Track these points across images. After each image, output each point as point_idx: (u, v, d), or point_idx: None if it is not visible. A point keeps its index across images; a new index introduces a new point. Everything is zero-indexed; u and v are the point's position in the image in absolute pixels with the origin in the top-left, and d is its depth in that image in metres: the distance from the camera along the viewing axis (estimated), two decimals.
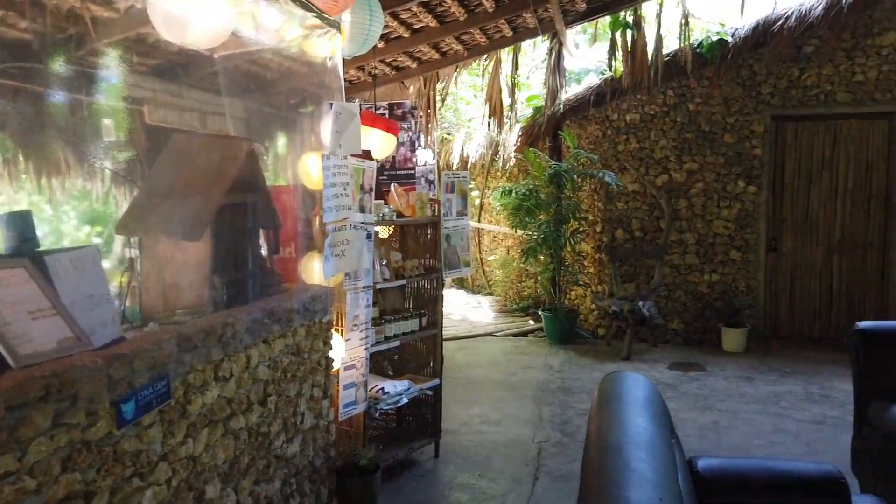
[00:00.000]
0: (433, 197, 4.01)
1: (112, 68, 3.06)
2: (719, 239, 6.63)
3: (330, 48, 3.16)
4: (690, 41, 6.44)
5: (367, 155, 3.65)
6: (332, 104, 3.03)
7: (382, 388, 3.46)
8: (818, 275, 6.61)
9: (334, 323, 3.22)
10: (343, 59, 5.44)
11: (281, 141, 3.34)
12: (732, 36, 6.32)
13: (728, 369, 5.65)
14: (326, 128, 3.05)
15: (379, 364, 4.05)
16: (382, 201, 3.65)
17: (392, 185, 3.87)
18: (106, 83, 3.08)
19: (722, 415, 4.56)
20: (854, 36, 6.22)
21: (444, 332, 7.06)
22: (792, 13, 6.14)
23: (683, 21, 6.40)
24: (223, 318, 2.33)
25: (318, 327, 2.97)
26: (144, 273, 2.55)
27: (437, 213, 3.88)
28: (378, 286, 3.47)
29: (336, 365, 3.18)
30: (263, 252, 2.91)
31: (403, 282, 3.68)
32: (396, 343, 3.62)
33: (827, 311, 6.62)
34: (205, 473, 2.18)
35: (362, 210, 3.25)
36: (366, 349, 3.33)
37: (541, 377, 5.52)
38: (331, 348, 3.10)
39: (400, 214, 3.73)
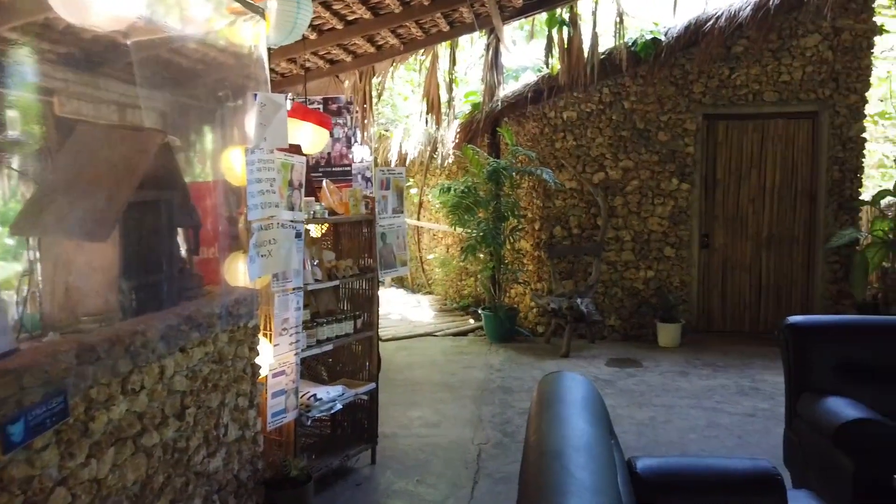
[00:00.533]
0: (368, 194, 3.87)
1: (16, 56, 2.79)
2: (654, 236, 6.72)
3: (254, 35, 2.98)
4: (625, 39, 6.50)
5: (296, 150, 3.48)
6: (256, 95, 2.85)
7: (315, 395, 3.30)
8: (748, 269, 6.80)
9: (262, 327, 3.05)
10: (272, 50, 5.22)
11: (202, 134, 3.13)
12: (666, 35, 6.42)
13: (663, 364, 5.73)
14: (251, 120, 2.87)
15: (313, 369, 3.88)
16: (313, 198, 3.48)
17: (324, 181, 3.70)
18: (10, 72, 2.81)
19: (658, 410, 4.60)
20: (780, 37, 6.41)
21: (383, 333, 6.94)
22: (722, 13, 6.28)
23: (618, 19, 6.45)
24: (133, 325, 2.13)
25: (243, 332, 2.79)
26: (45, 277, 2.32)
27: (371, 211, 3.74)
28: (309, 287, 3.31)
29: (263, 372, 3.00)
30: (182, 253, 2.71)
31: (337, 282, 3.53)
32: (329, 347, 3.47)
33: (756, 304, 6.81)
34: (112, 497, 1.99)
35: (291, 207, 3.09)
36: (296, 354, 3.16)
37: (481, 376, 5.45)
38: (257, 354, 2.92)
39: (332, 212, 3.58)
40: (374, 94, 7.06)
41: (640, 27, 6.63)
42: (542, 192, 6.84)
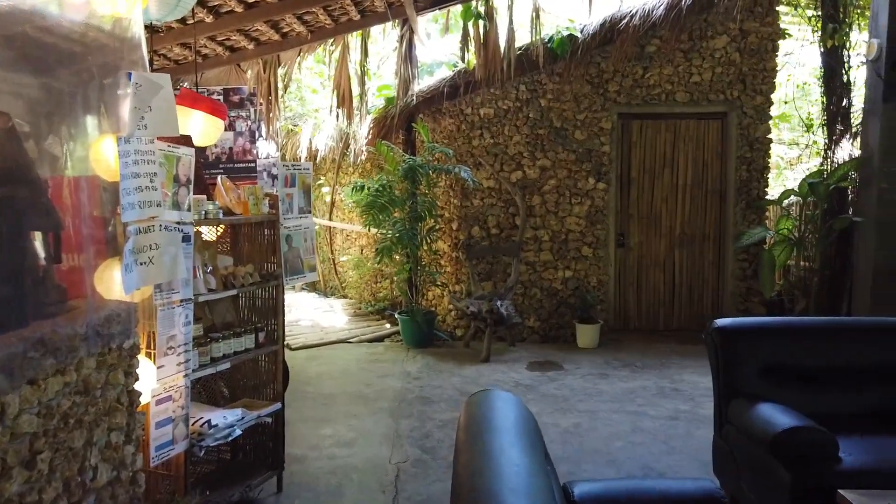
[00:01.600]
0: (272, 192, 3.48)
1: None
2: (572, 235, 6.64)
3: (127, 7, 2.53)
4: (541, 35, 6.37)
5: (184, 141, 3.05)
6: (130, 75, 2.42)
7: (209, 421, 2.89)
8: (662, 268, 6.84)
9: (144, 347, 2.61)
10: (162, 32, 4.68)
11: (66, 121, 2.65)
12: (582, 32, 6.34)
13: (584, 367, 5.62)
14: (124, 105, 2.44)
15: (210, 388, 3.45)
16: (205, 196, 3.06)
17: (219, 177, 3.28)
18: None
19: (582, 416, 4.45)
20: (691, 38, 6.48)
21: (293, 341, 6.49)
22: (636, 12, 6.26)
23: (534, 14, 6.32)
24: None
25: (117, 355, 2.36)
26: None
27: (275, 211, 3.35)
28: (201, 298, 2.90)
29: (145, 398, 2.57)
30: (38, 261, 2.25)
31: (235, 291, 3.13)
32: (227, 365, 3.06)
33: (670, 302, 6.87)
34: None
35: (178, 207, 2.67)
36: (186, 376, 2.74)
37: (398, 386, 5.14)
38: (136, 379, 2.49)
39: (229, 212, 3.17)
40: (280, 85, 6.60)
41: (556, 23, 6.52)
42: (460, 191, 6.61)
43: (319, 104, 8.75)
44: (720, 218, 6.78)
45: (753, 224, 6.61)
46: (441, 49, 8.00)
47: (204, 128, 3.29)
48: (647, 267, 6.85)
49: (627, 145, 6.73)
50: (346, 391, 5.04)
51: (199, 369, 2.87)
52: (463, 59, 6.31)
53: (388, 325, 7.09)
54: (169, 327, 2.64)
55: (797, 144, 7.54)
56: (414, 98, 6.49)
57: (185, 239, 2.69)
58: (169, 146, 2.67)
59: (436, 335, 6.55)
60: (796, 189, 6.47)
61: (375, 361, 5.87)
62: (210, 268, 3.02)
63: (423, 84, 6.68)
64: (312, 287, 9.34)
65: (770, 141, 6.61)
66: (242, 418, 3.03)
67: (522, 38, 6.41)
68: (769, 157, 6.64)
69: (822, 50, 6.57)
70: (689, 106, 6.57)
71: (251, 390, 3.45)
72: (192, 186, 2.76)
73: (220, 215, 3.05)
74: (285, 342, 6.38)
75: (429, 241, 6.25)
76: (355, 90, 6.53)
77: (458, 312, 6.65)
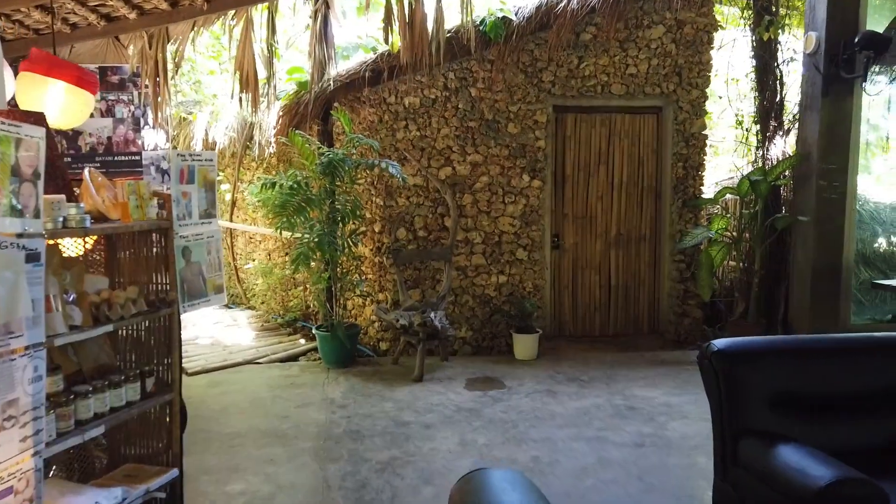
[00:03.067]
0: (163, 190, 2.66)
1: None
2: (506, 237, 6.10)
3: None
4: (473, 17, 5.76)
5: (35, 118, 2.20)
6: None
7: None
8: (598, 270, 6.45)
9: None
10: None
11: None
12: (516, 15, 5.80)
13: (527, 383, 5.09)
14: None
15: (80, 457, 2.58)
16: (65, 197, 2.22)
17: (86, 170, 2.43)
18: None
19: (539, 447, 3.89)
20: (627, 27, 6.10)
21: (190, 365, 5.53)
22: None
23: None
24: None
25: None
26: None
27: (167, 214, 2.54)
28: (61, 340, 2.07)
29: None
30: None
31: (110, 327, 2.30)
32: (99, 430, 2.23)
33: (606, 306, 6.49)
34: None
35: (17, 213, 1.84)
36: (37, 454, 1.91)
37: (321, 418, 4.38)
38: None
39: (101, 217, 2.34)
40: (171, 65, 5.62)
41: (489, 4, 5.94)
42: (384, 188, 5.91)
43: (218, 89, 7.72)
44: (656, 217, 6.47)
45: (690, 223, 6.34)
46: (358, 30, 7.23)
47: (66, 103, 2.44)
48: (583, 270, 6.43)
49: (562, 140, 6.28)
50: (258, 428, 4.23)
51: (57, 441, 2.04)
52: (386, 41, 5.60)
53: (302, 341, 6.27)
54: (6, 388, 1.81)
55: (724, 139, 7.41)
56: (331, 83, 5.71)
57: (32, 258, 1.86)
58: (7, 123, 1.84)
59: (359, 351, 5.82)
60: (733, 187, 6.26)
61: (291, 386, 5.06)
62: (73, 295, 2.18)
63: (340, 68, 5.91)
64: None
65: (706, 137, 6.36)
66: (123, 500, 2.22)
67: (453, 20, 5.78)
68: (705, 154, 6.39)
69: (754, 44, 6.40)
70: (626, 99, 6.20)
71: (138, 455, 2.62)
72: (41, 182, 1.92)
73: (88, 222, 2.21)
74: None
75: (352, 245, 5.50)
76: (261, 73, 5.66)
77: (381, 324, 5.95)
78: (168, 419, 2.57)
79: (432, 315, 5.20)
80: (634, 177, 6.41)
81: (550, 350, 5.97)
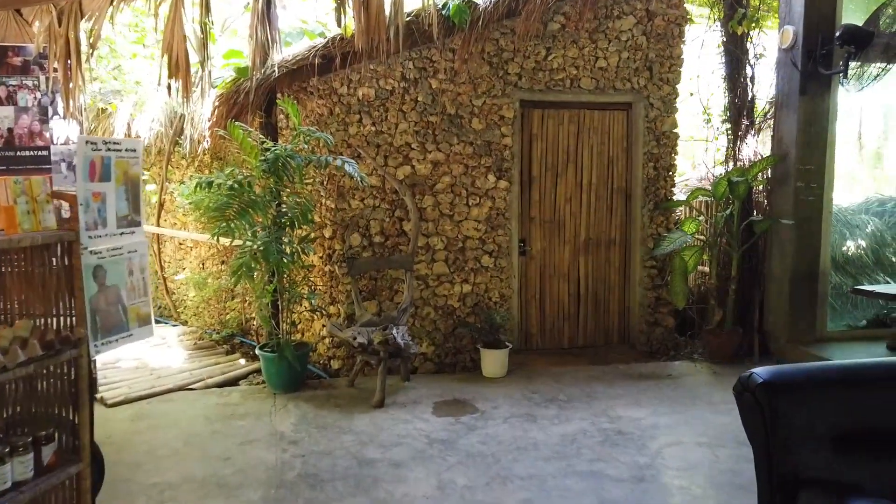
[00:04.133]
0: (66, 189, 2.00)
1: None
2: (470, 243, 5.59)
3: None
4: (435, 0, 5.22)
5: None
6: None
7: None
8: (566, 278, 6.02)
9: None
10: None
11: None
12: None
13: (501, 405, 4.58)
14: None
15: None
16: None
17: None
18: None
19: (529, 486, 3.39)
20: (597, 17, 5.70)
21: (111, 394, 4.73)
22: None
23: None
24: None
25: None
26: None
27: (72, 222, 1.89)
28: None
29: None
30: None
31: None
32: None
33: (575, 316, 6.07)
34: None
35: None
36: None
37: (271, 458, 3.74)
38: None
39: None
40: (85, 45, 4.84)
41: None
42: (335, 189, 5.29)
43: (142, 75, 6.85)
44: (627, 220, 6.10)
45: (662, 227, 6.00)
46: (303, 14, 6.54)
47: None
48: (550, 278, 5.99)
49: (528, 138, 5.82)
50: (194, 475, 3.54)
51: None
52: (339, 23, 4.98)
53: (242, 361, 5.57)
54: None
55: (692, 139, 7.16)
56: (275, 69, 5.05)
57: None
58: None
59: (309, 371, 5.18)
60: (707, 188, 5.96)
61: (232, 417, 4.38)
62: None
63: (286, 53, 5.25)
64: None
65: (677, 136, 6.03)
66: None
67: (413, 2, 5.22)
68: (676, 153, 6.07)
69: (724, 38, 6.12)
70: (596, 94, 5.80)
71: None
72: None
73: None
74: (98, 395, 4.67)
75: (300, 253, 4.84)
76: (193, 57, 4.94)
77: (333, 340, 5.33)
78: (74, 499, 1.90)
79: (394, 331, 4.62)
80: (604, 177, 6.02)
81: (519, 365, 5.50)
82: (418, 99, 5.40)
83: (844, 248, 6.46)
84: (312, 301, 4.94)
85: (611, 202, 6.05)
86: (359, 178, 4.61)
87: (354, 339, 4.66)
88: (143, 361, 5.58)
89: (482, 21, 5.28)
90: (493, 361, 5.24)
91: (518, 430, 4.14)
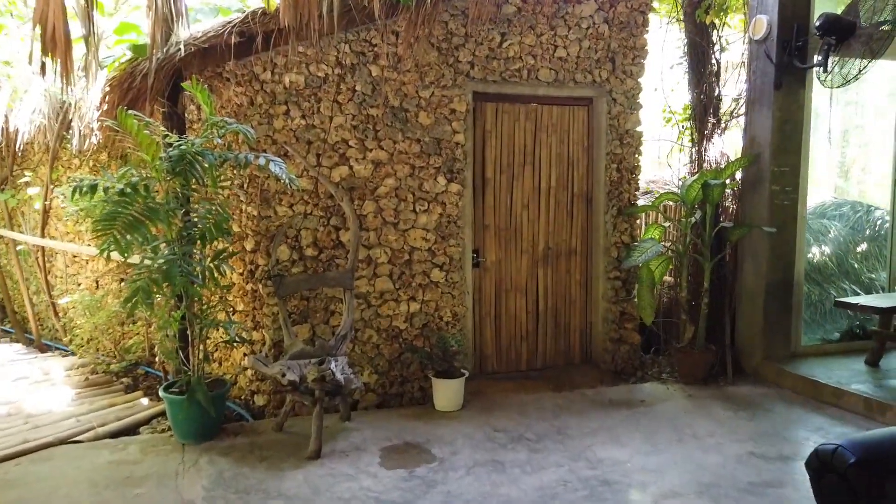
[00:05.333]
0: None
1: None
2: (418, 255, 4.86)
3: None
4: None
5: None
6: None
7: None
8: (524, 291, 5.39)
9: None
10: None
11: None
12: None
13: (462, 450, 3.88)
14: None
15: None
16: None
17: None
18: None
19: None
20: (555, 0, 5.10)
21: None
22: None
23: None
24: None
25: None
26: None
27: None
28: None
29: None
30: None
31: None
32: None
33: (534, 335, 5.45)
34: None
35: None
36: None
37: None
38: None
39: None
40: None
41: None
42: (258, 193, 4.45)
43: (12, 54, 5.68)
44: (588, 228, 5.53)
45: (626, 234, 5.46)
46: None
47: None
48: (507, 292, 5.34)
49: (481, 135, 5.15)
50: None
51: None
52: None
53: (145, 401, 4.62)
54: None
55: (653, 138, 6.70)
56: (181, 48, 4.15)
57: None
58: None
59: (228, 408, 4.31)
60: (675, 192, 5.46)
61: (127, 483, 3.47)
62: None
63: (195, 29, 4.37)
64: (18, 334, 6.33)
65: (641, 135, 5.51)
66: None
67: None
68: (640, 153, 5.54)
69: (689, 28, 5.65)
70: (555, 87, 5.20)
71: None
72: None
73: None
74: None
75: (216, 272, 3.96)
76: (76, 30, 3.99)
77: (258, 374, 4.48)
78: None
79: (332, 365, 3.83)
80: (564, 180, 5.42)
81: (475, 394, 4.82)
82: (356, 88, 4.63)
83: (810, 256, 6.13)
84: (230, 330, 4.05)
85: (571, 208, 5.46)
86: (287, 180, 3.78)
87: (283, 375, 3.83)
88: (17, 406, 4.54)
89: (431, 0, 4.57)
90: (447, 393, 4.53)
91: (485, 482, 3.44)
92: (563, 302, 5.50)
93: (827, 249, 6.22)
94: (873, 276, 6.35)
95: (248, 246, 4.51)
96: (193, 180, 3.67)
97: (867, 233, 6.63)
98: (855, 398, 4.39)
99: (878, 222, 6.67)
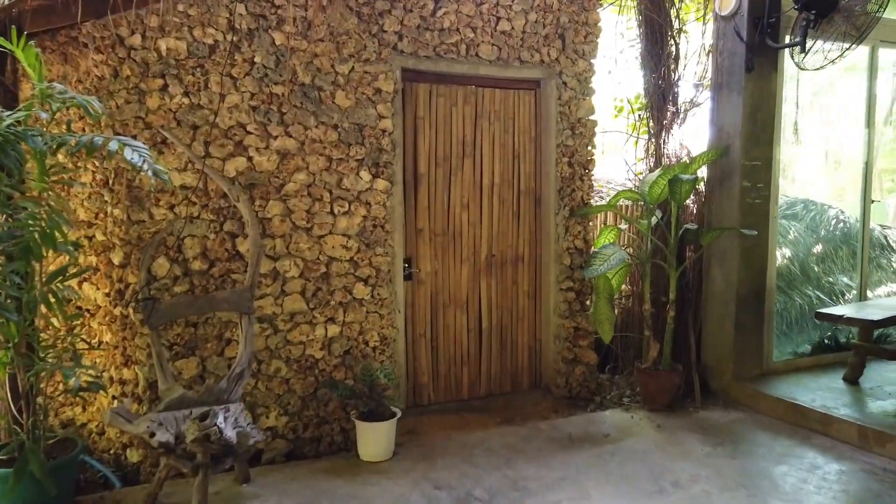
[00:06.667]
0: None
1: None
2: (337, 266, 3.96)
3: None
4: None
5: None
6: None
7: None
8: (464, 307, 4.58)
9: None
10: None
11: None
12: None
13: None
14: None
15: None
16: None
17: None
18: None
19: None
20: None
21: None
22: None
23: None
24: None
25: None
26: None
27: None
28: None
29: None
30: None
31: None
32: None
33: (476, 358, 4.65)
34: None
35: None
36: None
37: None
38: None
39: None
40: None
41: None
42: (126, 192, 3.43)
43: None
44: (538, 231, 4.78)
45: (579, 238, 4.75)
46: None
47: None
48: (445, 308, 4.52)
49: (412, 122, 4.31)
50: None
51: None
52: None
53: None
54: None
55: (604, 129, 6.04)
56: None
57: None
58: None
59: (90, 467, 3.28)
60: (633, 190, 4.79)
61: None
62: None
63: None
64: None
65: (595, 124, 4.81)
66: None
67: None
68: (594, 146, 4.84)
69: (645, 4, 5.00)
70: (498, 67, 4.42)
71: None
72: None
73: None
74: None
75: (58, 297, 2.92)
76: None
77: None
78: None
79: (220, 419, 2.88)
80: (509, 176, 4.65)
81: (410, 435, 3.98)
82: (255, 60, 3.69)
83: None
84: (70, 377, 2.94)
85: (517, 208, 4.70)
86: (150, 172, 2.79)
87: (152, 435, 2.84)
88: None
89: None
90: (375, 438, 3.65)
91: None
92: (510, 317, 4.73)
93: (788, 252, 5.72)
94: (831, 279, 5.91)
95: (116, 259, 3.49)
96: (15, 173, 2.63)
97: (822, 233, 6.20)
98: (847, 426, 3.81)
99: (833, 222, 6.26)
